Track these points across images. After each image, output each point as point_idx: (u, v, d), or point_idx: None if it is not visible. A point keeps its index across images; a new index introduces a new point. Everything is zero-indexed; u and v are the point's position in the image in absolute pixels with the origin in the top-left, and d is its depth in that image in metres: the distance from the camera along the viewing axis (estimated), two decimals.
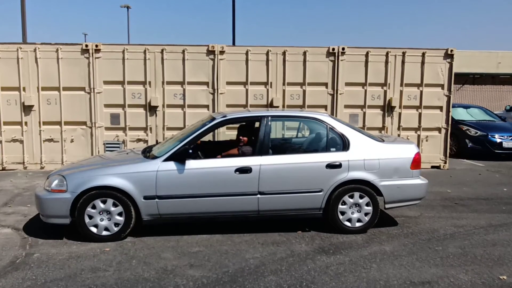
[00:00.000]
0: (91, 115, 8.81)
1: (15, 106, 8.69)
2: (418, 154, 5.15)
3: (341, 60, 9.13)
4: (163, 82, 8.87)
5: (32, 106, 8.69)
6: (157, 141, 8.77)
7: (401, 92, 9.36)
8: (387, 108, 9.38)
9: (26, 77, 8.65)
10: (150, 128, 8.97)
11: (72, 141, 8.86)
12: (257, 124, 5.22)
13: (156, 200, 4.67)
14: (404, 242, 4.78)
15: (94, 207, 4.62)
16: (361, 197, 4.97)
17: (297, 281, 3.78)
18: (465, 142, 11.17)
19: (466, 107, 12.84)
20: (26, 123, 8.74)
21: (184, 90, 8.91)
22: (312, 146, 5.39)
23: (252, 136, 5.35)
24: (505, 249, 4.59)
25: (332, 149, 5.03)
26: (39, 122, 8.75)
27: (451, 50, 9.30)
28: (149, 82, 8.85)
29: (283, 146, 6.14)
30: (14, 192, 6.99)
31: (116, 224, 4.68)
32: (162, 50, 8.81)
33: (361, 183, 4.97)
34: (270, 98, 9.08)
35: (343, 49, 9.11)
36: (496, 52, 25.52)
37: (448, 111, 9.49)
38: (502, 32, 78.87)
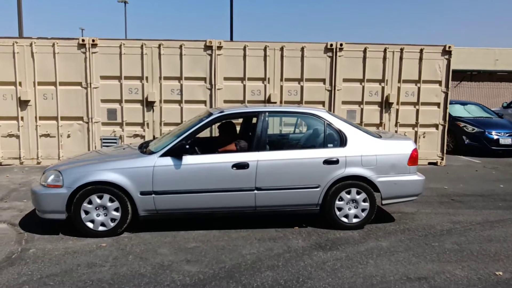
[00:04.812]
0: (88, 110, 8.77)
1: (11, 101, 8.65)
2: (415, 151, 5.15)
3: (339, 56, 9.11)
4: (160, 78, 8.84)
5: (28, 101, 8.64)
6: (154, 136, 8.75)
7: (398, 88, 9.36)
8: (385, 105, 9.38)
9: (22, 71, 8.60)
10: (147, 124, 8.94)
11: (68, 136, 8.83)
12: (254, 120, 5.20)
13: (153, 195, 4.65)
14: (400, 238, 4.79)
15: (90, 202, 4.60)
16: (358, 193, 4.98)
17: (294, 276, 3.78)
18: (462, 139, 11.20)
19: (463, 103, 12.86)
20: (22, 118, 8.70)
21: (181, 85, 8.89)
22: (309, 142, 5.38)
23: (250, 132, 5.33)
24: (501, 245, 4.60)
25: (329, 145, 5.03)
26: (36, 117, 8.71)
27: (449, 47, 9.30)
28: (146, 78, 8.82)
29: (281, 142, 6.14)
30: (10, 187, 6.96)
31: (113, 220, 4.67)
32: (160, 45, 8.77)
33: (358, 179, 4.97)
34: (267, 94, 9.06)
35: (341, 45, 9.10)
36: (493, 49, 25.53)
37: (445, 108, 9.50)
38: (499, 30, 79.00)
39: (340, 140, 5.02)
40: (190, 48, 8.84)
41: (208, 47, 8.85)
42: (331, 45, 9.08)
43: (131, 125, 8.93)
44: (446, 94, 9.46)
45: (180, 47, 8.80)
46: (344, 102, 9.28)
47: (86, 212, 4.62)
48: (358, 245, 4.55)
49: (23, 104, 8.66)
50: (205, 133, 5.64)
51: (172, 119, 8.88)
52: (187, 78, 8.88)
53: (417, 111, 9.46)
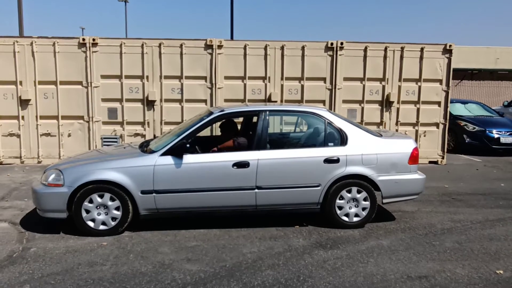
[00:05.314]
0: (89, 109, 8.77)
1: (12, 100, 8.65)
2: (416, 149, 5.15)
3: (340, 55, 9.10)
4: (160, 77, 8.84)
5: (29, 100, 8.64)
6: (154, 135, 8.75)
7: (399, 87, 9.35)
8: (385, 103, 9.38)
9: (23, 71, 8.60)
10: (148, 123, 8.95)
11: (69, 135, 8.83)
12: (255, 119, 5.20)
13: (154, 194, 4.66)
14: (401, 236, 4.79)
15: (91, 201, 4.61)
16: (358, 192, 4.98)
17: (295, 275, 3.79)
18: (463, 138, 11.19)
19: (464, 102, 12.85)
20: (23, 117, 8.70)
21: (182, 84, 8.88)
22: (310, 141, 5.38)
23: (250, 131, 5.33)
24: (502, 244, 4.60)
25: (330, 144, 5.02)
26: (36, 116, 8.72)
27: (450, 46, 9.29)
28: (147, 77, 8.82)
29: (281, 141, 6.14)
30: (11, 187, 6.96)
31: (114, 219, 4.67)
32: (160, 44, 8.77)
33: (359, 178, 4.97)
34: (268, 92, 9.06)
35: (341, 44, 9.09)
36: (494, 48, 25.46)
37: (446, 107, 9.49)
38: (500, 28, 78.91)
39: (341, 139, 5.02)
40: (191, 47, 8.83)
41: (208, 46, 8.84)
42: (332, 44, 9.08)
43: (131, 124, 8.93)
44: (447, 92, 9.45)
45: (181, 46, 8.80)
46: (344, 101, 9.27)
47: (87, 211, 4.62)
48: (359, 244, 4.55)
49: (23, 103, 8.66)
50: (205, 132, 5.65)
51: (173, 118, 8.88)
52: (187, 77, 8.87)
53: (418, 110, 9.45)
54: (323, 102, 9.18)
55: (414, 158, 5.11)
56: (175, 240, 4.59)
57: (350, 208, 4.99)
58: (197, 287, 3.56)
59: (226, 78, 8.95)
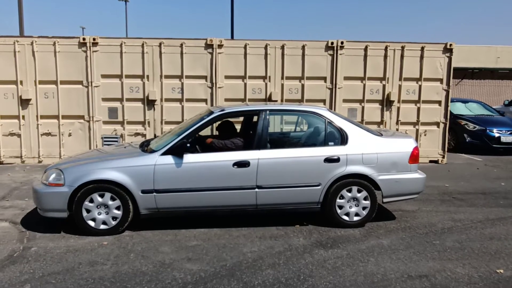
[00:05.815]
0: (89, 109, 8.78)
1: (12, 100, 8.66)
2: (416, 149, 5.15)
3: (340, 54, 9.10)
4: (161, 76, 8.84)
5: (30, 99, 8.65)
6: (155, 135, 8.75)
7: (399, 86, 9.35)
8: (386, 103, 9.37)
9: (23, 70, 8.60)
10: (148, 122, 8.95)
11: (70, 135, 8.84)
12: (255, 118, 5.20)
13: (154, 194, 4.66)
14: (401, 236, 4.79)
15: (91, 201, 4.62)
16: (359, 191, 4.98)
17: (295, 274, 3.79)
18: (463, 137, 11.18)
19: (464, 101, 12.84)
20: (23, 117, 8.71)
21: (182, 84, 8.88)
22: (310, 140, 5.38)
23: (250, 130, 5.33)
24: (502, 243, 4.60)
25: (330, 143, 5.02)
26: (37, 116, 8.72)
27: (450, 45, 9.28)
28: (147, 76, 8.82)
29: (281, 140, 6.14)
30: (11, 186, 6.97)
31: (114, 218, 4.68)
32: (160, 44, 8.77)
33: (359, 177, 4.97)
34: (268, 92, 9.06)
35: (342, 43, 9.09)
36: (495, 47, 25.43)
37: (446, 106, 9.48)
38: (501, 27, 78.82)
39: (341, 138, 5.02)
40: (191, 47, 8.83)
41: (208, 46, 8.84)
42: (332, 43, 9.07)
43: (132, 123, 8.93)
44: (447, 92, 9.45)
45: (181, 45, 8.80)
46: (345, 100, 9.27)
47: (88, 211, 4.63)
48: (359, 243, 4.56)
49: (24, 103, 8.67)
50: (206, 132, 5.65)
51: (173, 117, 8.89)
52: (188, 77, 8.88)
53: (418, 109, 9.45)
54: (324, 101, 9.18)
55: (414, 157, 5.11)
56: (176, 240, 4.60)
57: (350, 207, 5.00)
58: (198, 287, 3.57)
59: (227, 77, 8.95)
